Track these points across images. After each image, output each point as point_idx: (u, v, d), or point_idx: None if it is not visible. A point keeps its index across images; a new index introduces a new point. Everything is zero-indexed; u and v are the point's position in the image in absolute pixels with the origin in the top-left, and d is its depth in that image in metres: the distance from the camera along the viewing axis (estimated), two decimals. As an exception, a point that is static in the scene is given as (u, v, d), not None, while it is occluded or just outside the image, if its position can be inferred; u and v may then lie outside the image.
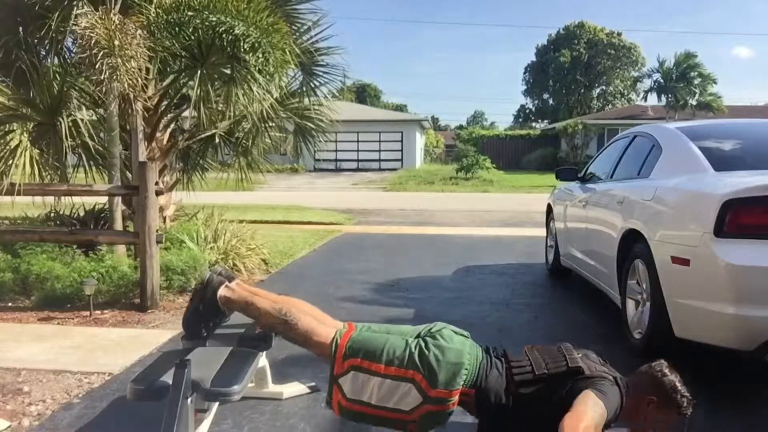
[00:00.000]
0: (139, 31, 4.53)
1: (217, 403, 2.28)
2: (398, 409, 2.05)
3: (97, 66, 4.24)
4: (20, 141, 4.70)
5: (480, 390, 2.10)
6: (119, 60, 4.29)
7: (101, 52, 4.25)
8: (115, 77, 4.29)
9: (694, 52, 30.53)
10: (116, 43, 4.30)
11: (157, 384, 2.04)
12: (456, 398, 2.06)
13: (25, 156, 4.66)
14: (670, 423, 2.11)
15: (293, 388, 2.95)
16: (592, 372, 2.08)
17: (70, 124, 4.98)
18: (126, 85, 4.36)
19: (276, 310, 2.27)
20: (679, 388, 2.08)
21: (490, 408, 2.09)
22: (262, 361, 2.77)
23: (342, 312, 4.48)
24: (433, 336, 2.18)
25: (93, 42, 4.24)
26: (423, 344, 2.13)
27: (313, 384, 3.02)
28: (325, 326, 2.25)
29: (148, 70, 4.78)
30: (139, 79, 4.48)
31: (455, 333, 2.23)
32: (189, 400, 2.00)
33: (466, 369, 2.09)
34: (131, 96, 4.52)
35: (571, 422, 1.87)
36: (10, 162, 4.61)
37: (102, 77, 4.27)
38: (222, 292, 2.36)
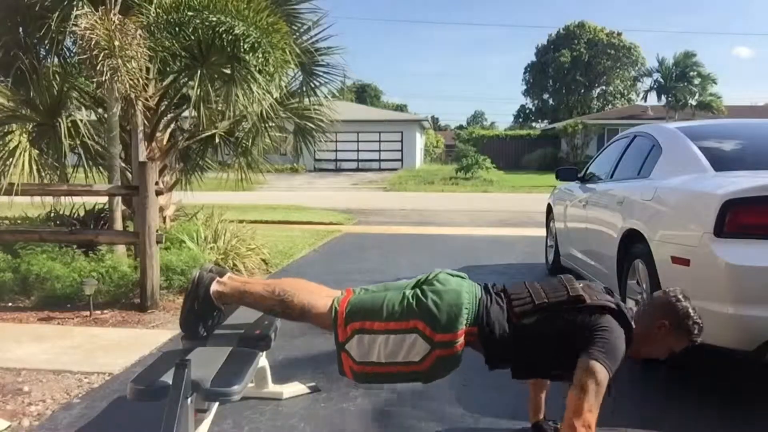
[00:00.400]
0: (140, 32, 4.53)
1: (217, 403, 2.27)
2: (409, 362, 2.05)
3: (98, 67, 4.24)
4: (19, 142, 4.70)
5: (483, 326, 2.10)
6: (120, 61, 4.29)
7: (102, 53, 4.25)
8: (116, 78, 4.29)
9: (692, 51, 30.58)
10: (116, 43, 4.30)
11: (157, 384, 2.04)
12: (462, 339, 2.07)
13: (23, 157, 4.65)
14: (678, 348, 2.15)
15: (293, 388, 2.95)
16: (593, 300, 2.09)
17: (70, 124, 4.98)
18: (127, 86, 4.36)
19: (269, 291, 2.26)
20: (692, 314, 2.11)
21: (496, 342, 2.10)
22: (262, 361, 2.76)
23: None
24: (430, 282, 2.18)
25: (93, 43, 4.24)
26: (419, 292, 2.13)
27: (313, 384, 3.02)
28: (321, 297, 2.23)
29: (148, 70, 4.78)
30: (140, 80, 4.48)
31: (451, 275, 2.23)
32: (189, 400, 2.00)
33: (466, 308, 2.09)
34: (132, 96, 4.52)
35: (571, 423, 1.90)
36: (9, 162, 4.61)
37: (103, 78, 4.28)
38: (214, 287, 2.35)
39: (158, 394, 2.01)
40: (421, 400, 2.89)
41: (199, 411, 2.13)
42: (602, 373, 1.95)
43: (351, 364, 2.10)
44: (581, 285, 2.18)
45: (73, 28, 4.38)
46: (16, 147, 4.67)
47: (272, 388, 2.89)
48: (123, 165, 5.46)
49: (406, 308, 2.08)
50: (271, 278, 5.82)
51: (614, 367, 1.99)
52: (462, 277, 2.25)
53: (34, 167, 4.77)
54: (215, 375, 2.11)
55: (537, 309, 2.11)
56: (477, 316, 2.11)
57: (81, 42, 4.32)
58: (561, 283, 2.20)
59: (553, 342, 2.06)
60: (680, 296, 2.15)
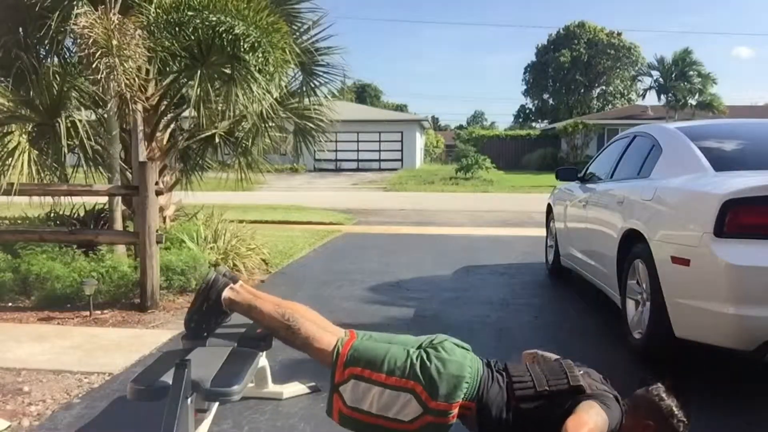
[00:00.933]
0: (139, 31, 4.52)
1: (217, 403, 2.28)
2: (398, 419, 2.05)
3: (94, 65, 4.24)
4: (18, 142, 4.70)
5: (481, 403, 2.10)
6: (117, 60, 4.28)
7: (99, 51, 4.25)
8: (112, 77, 4.29)
9: (691, 49, 30.57)
10: (114, 43, 4.30)
11: (157, 384, 2.04)
12: (456, 411, 2.07)
13: (23, 157, 4.65)
14: None
15: (293, 388, 2.96)
16: (593, 391, 2.10)
17: (70, 124, 4.98)
18: (123, 85, 4.35)
19: (279, 314, 2.27)
20: (676, 413, 2.08)
21: (491, 422, 2.10)
22: (262, 361, 2.78)
23: (343, 312, 4.49)
24: (435, 348, 2.18)
25: (91, 41, 4.24)
26: (425, 355, 2.13)
27: (313, 384, 3.02)
28: (327, 333, 2.25)
29: (147, 71, 4.77)
30: (137, 80, 4.48)
31: (457, 346, 2.23)
32: (189, 400, 2.00)
33: (467, 382, 2.09)
34: (128, 96, 4.52)
35: (574, 424, 1.89)
36: (8, 163, 4.61)
37: (99, 77, 4.27)
38: (227, 293, 2.36)
39: (158, 394, 2.02)
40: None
41: (199, 411, 2.13)
42: (603, 418, 1.96)
43: (341, 406, 2.10)
44: (581, 372, 2.19)
45: (72, 27, 4.38)
46: (15, 147, 4.67)
47: (272, 388, 2.90)
48: (123, 165, 5.47)
49: (408, 368, 2.09)
50: (271, 278, 5.83)
51: (612, 420, 1.99)
52: (466, 349, 2.25)
53: (33, 168, 4.77)
54: (215, 375, 2.11)
55: (538, 396, 2.11)
56: (476, 392, 2.12)
57: (79, 40, 4.32)
58: (561, 369, 2.20)
59: (550, 428, 2.03)
60: (663, 395, 2.13)
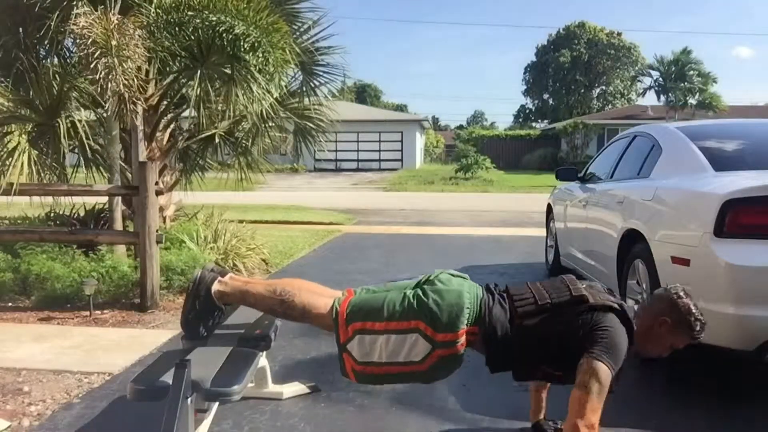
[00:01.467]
0: (138, 32, 4.52)
1: (217, 404, 2.28)
2: (410, 362, 2.06)
3: (93, 65, 4.24)
4: (18, 142, 4.70)
5: (485, 326, 2.11)
6: (116, 60, 4.28)
7: (98, 52, 4.25)
8: (111, 77, 4.28)
9: (690, 49, 30.56)
10: (113, 43, 4.29)
11: (157, 384, 2.04)
12: (463, 339, 2.07)
13: (22, 157, 4.65)
14: (680, 345, 2.16)
15: (293, 388, 2.96)
16: (596, 300, 2.10)
17: (69, 124, 4.98)
18: (121, 86, 4.35)
19: (271, 291, 2.26)
20: (694, 311, 2.11)
21: (497, 343, 2.11)
22: (262, 361, 2.78)
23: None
24: (431, 282, 2.18)
25: (90, 41, 4.24)
26: (421, 292, 2.13)
27: (313, 384, 3.03)
28: (323, 297, 2.23)
29: (147, 71, 4.77)
30: (136, 80, 4.47)
31: (453, 275, 2.23)
32: (189, 400, 2.01)
33: (468, 308, 2.09)
34: (127, 96, 4.51)
35: (574, 423, 1.93)
36: (8, 163, 4.61)
37: (98, 77, 4.27)
38: (216, 287, 2.34)
39: (158, 394, 2.02)
40: (421, 400, 2.89)
41: (199, 411, 2.14)
42: (605, 373, 1.96)
43: (353, 364, 2.10)
44: (584, 285, 2.18)
45: (72, 27, 4.38)
46: (15, 148, 4.67)
47: (272, 388, 2.90)
48: (123, 165, 5.46)
49: (407, 308, 2.08)
50: (271, 278, 5.83)
51: (616, 367, 2.00)
52: (463, 278, 2.25)
53: (34, 168, 4.77)
54: (215, 375, 2.11)
55: (540, 310, 2.11)
56: (478, 317, 2.12)
57: (79, 41, 4.32)
58: (563, 284, 2.20)
59: (555, 343, 2.07)
60: (681, 293, 2.16)
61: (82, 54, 4.30)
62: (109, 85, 4.32)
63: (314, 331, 3.27)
